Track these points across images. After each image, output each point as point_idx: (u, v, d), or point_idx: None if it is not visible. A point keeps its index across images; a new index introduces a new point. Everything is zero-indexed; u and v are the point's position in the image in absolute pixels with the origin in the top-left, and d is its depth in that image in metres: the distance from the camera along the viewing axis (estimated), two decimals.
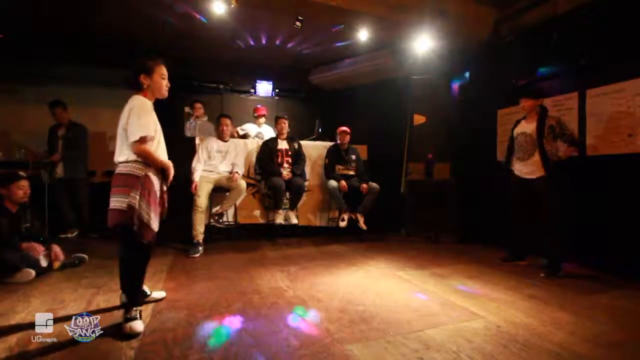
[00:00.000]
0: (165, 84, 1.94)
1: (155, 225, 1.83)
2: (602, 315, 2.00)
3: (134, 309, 1.76)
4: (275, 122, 4.32)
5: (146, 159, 1.79)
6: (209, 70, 5.77)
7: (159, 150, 1.91)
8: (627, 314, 2.06)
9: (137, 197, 1.74)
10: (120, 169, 1.78)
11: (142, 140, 1.74)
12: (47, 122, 4.86)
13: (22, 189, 2.75)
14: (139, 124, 1.74)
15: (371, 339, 1.67)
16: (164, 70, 1.93)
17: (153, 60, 1.89)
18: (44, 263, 2.66)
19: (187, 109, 5.28)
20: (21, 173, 2.83)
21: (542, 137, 2.83)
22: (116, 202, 1.74)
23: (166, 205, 2.01)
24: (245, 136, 4.69)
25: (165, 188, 2.00)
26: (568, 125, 2.87)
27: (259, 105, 5.07)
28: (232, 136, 4.24)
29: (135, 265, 1.85)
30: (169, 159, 1.99)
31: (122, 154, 1.79)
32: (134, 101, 1.81)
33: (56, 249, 2.82)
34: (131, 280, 1.83)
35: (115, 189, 1.76)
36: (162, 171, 1.92)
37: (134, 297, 1.81)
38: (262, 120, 4.90)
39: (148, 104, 1.85)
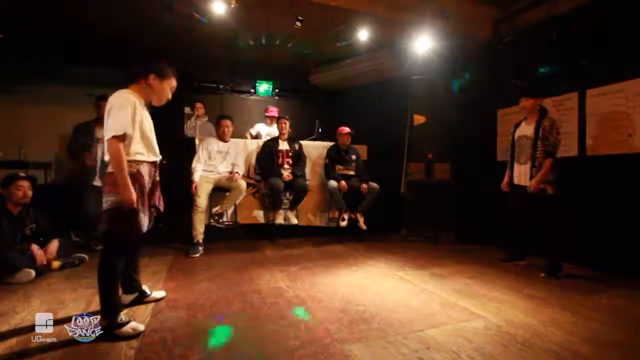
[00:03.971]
0: (168, 96, 1.93)
1: (144, 223, 1.81)
2: (602, 315, 2.00)
3: (122, 313, 1.72)
4: (276, 122, 4.32)
5: (114, 162, 1.66)
6: (209, 70, 5.77)
7: (151, 144, 1.87)
8: (627, 314, 2.06)
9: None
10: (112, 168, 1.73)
11: (115, 138, 1.66)
12: (47, 122, 4.88)
13: (21, 189, 2.73)
14: (113, 122, 1.67)
15: (371, 339, 1.67)
16: (174, 84, 1.94)
17: (172, 71, 1.90)
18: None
19: (187, 109, 5.29)
20: (21, 173, 2.83)
21: (537, 140, 2.81)
22: (110, 202, 1.70)
23: (162, 202, 2.00)
24: (257, 136, 4.72)
25: (157, 178, 1.97)
26: (557, 132, 2.77)
27: (270, 106, 5.11)
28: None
29: (117, 267, 1.78)
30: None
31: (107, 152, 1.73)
32: (114, 98, 1.74)
33: (52, 247, 2.78)
34: (113, 284, 1.75)
35: (109, 188, 1.72)
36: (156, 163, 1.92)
37: (117, 301, 1.74)
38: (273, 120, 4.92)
39: (132, 99, 1.75)
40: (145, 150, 1.83)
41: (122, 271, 1.86)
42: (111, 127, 1.67)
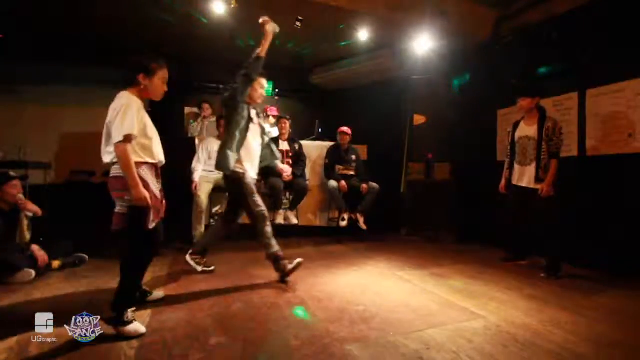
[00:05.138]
0: (163, 88, 1.90)
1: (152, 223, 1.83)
2: (602, 315, 2.00)
3: (129, 310, 1.73)
4: (276, 122, 4.33)
5: (122, 165, 1.67)
6: (209, 70, 5.76)
7: (152, 145, 1.85)
8: (627, 314, 2.06)
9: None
10: (115, 172, 1.74)
11: (126, 139, 1.67)
12: (47, 122, 4.88)
13: (15, 188, 2.77)
14: (122, 124, 1.67)
15: (371, 339, 1.67)
16: (166, 74, 1.89)
17: (157, 62, 1.85)
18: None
19: (187, 110, 5.29)
20: (12, 173, 2.85)
21: (542, 141, 2.80)
22: (120, 206, 1.76)
23: (164, 204, 1.99)
24: None
25: (159, 186, 1.95)
26: (560, 133, 2.79)
27: (269, 106, 5.12)
28: None
29: (138, 267, 1.85)
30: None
31: (110, 154, 1.73)
32: (120, 100, 1.74)
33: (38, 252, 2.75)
34: (137, 278, 1.84)
35: (117, 193, 1.75)
36: (155, 168, 1.90)
37: (130, 299, 1.78)
38: (272, 120, 4.91)
39: (135, 101, 1.77)
40: (141, 151, 1.79)
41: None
42: (118, 131, 1.67)
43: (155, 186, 1.85)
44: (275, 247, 2.52)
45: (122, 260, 1.79)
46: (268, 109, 5.05)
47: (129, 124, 1.69)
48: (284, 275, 2.52)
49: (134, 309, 1.77)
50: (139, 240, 1.79)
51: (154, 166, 1.88)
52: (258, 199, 2.53)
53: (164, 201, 1.97)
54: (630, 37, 2.91)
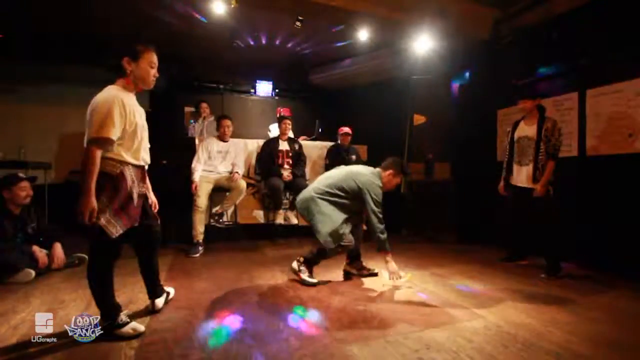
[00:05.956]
0: (153, 74, 1.74)
1: (115, 228, 1.61)
2: (602, 315, 2.00)
3: (122, 313, 1.69)
4: (278, 122, 4.33)
5: (86, 168, 1.53)
6: (209, 70, 5.77)
7: (140, 147, 1.74)
8: (627, 314, 2.06)
9: (105, 200, 1.59)
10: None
11: (96, 144, 1.54)
12: (47, 122, 4.88)
13: (24, 190, 2.75)
14: (93, 123, 1.54)
15: (371, 339, 1.67)
16: (154, 58, 1.73)
17: (143, 44, 1.70)
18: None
19: (187, 109, 5.29)
20: (21, 174, 2.84)
21: (540, 141, 2.80)
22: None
23: (152, 210, 1.87)
24: None
25: (144, 189, 1.82)
26: (559, 134, 2.76)
27: (280, 108, 5.24)
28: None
29: (103, 267, 1.68)
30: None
31: None
32: (97, 97, 1.60)
33: (58, 251, 2.80)
34: (102, 285, 1.67)
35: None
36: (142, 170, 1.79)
37: (112, 304, 1.69)
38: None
39: (113, 96, 1.59)
40: (127, 151, 1.67)
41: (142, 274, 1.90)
42: (91, 130, 1.54)
43: (136, 190, 1.72)
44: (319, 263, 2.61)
45: (87, 264, 1.67)
46: (278, 111, 5.13)
47: (104, 125, 1.54)
48: (296, 274, 2.57)
49: (126, 311, 1.75)
50: (98, 242, 1.63)
51: (139, 168, 1.77)
52: (350, 236, 2.59)
53: (147, 211, 1.84)
54: (630, 37, 2.91)
